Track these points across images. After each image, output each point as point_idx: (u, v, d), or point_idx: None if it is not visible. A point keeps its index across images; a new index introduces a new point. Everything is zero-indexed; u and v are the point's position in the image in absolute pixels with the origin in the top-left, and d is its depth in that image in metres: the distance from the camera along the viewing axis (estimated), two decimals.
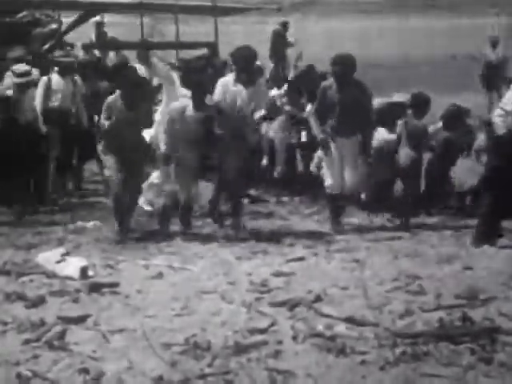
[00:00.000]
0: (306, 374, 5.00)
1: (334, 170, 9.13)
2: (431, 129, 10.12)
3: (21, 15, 15.93)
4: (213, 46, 17.14)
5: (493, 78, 17.77)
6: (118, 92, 8.77)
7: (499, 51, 19.14)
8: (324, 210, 10.02)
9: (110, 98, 8.84)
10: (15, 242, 8.39)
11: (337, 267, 7.40)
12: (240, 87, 8.78)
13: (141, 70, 11.41)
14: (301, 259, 7.73)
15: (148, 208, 9.67)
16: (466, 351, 5.30)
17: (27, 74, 10.94)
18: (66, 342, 5.53)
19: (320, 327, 5.70)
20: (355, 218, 9.78)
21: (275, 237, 8.86)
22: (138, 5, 18.46)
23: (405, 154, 9.66)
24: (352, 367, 5.11)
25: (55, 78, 11.48)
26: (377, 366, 5.10)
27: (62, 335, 5.60)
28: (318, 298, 6.36)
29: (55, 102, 11.29)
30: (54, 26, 16.42)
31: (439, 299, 6.35)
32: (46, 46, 15.21)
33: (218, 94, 8.88)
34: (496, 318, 5.83)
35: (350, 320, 5.83)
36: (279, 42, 18.66)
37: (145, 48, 15.09)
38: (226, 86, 8.80)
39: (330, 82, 9.17)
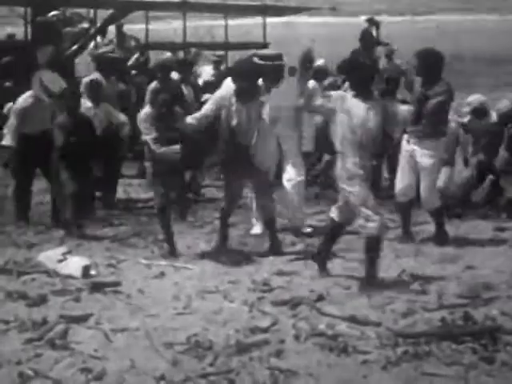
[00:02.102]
0: (308, 373, 5.01)
1: (404, 175, 8.35)
2: None
3: (51, 14, 15.95)
4: (263, 47, 17.00)
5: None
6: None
7: (397, 62, 18.67)
8: (327, 210, 10.01)
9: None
10: (16, 241, 8.39)
11: (339, 266, 7.40)
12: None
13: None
14: (303, 258, 7.72)
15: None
16: (467, 350, 5.30)
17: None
18: (68, 341, 5.53)
19: (322, 326, 5.70)
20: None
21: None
22: (181, 4, 18.33)
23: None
24: (354, 366, 5.11)
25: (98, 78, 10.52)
26: (379, 365, 5.11)
27: (63, 334, 5.60)
28: (320, 297, 6.37)
29: None
30: (84, 25, 16.38)
31: (441, 299, 6.35)
32: (76, 46, 15.19)
33: None
34: (498, 318, 5.84)
35: (352, 319, 5.84)
36: (368, 40, 18.04)
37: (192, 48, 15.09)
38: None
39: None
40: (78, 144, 8.67)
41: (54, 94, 9.24)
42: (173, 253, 7.81)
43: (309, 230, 8.66)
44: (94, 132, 9.17)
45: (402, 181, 8.43)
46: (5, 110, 13.33)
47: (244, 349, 5.35)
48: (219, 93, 8.03)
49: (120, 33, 17.97)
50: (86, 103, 9.60)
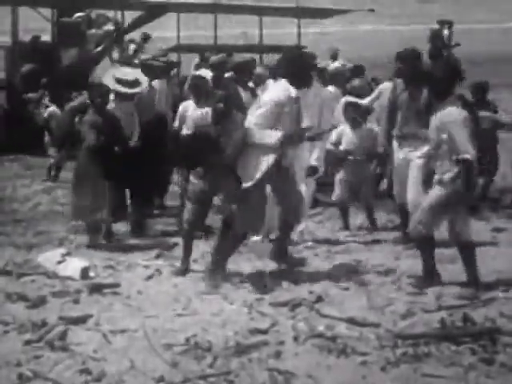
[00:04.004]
0: (307, 375, 5.00)
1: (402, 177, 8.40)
2: None
3: (76, 16, 15.98)
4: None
5: None
6: None
7: (342, 63, 18.35)
8: (325, 212, 10.03)
9: None
10: (16, 242, 8.39)
11: (338, 268, 7.40)
12: None
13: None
14: (302, 260, 7.73)
15: None
16: (467, 352, 5.30)
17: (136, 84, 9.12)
18: (68, 342, 5.53)
19: (321, 328, 5.71)
20: (356, 218, 9.76)
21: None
22: (212, 6, 18.19)
23: None
24: (353, 368, 5.11)
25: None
26: (378, 366, 5.11)
27: (63, 336, 5.60)
28: (320, 299, 6.38)
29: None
30: (110, 27, 16.37)
31: (440, 300, 6.36)
32: (100, 48, 15.20)
33: None
34: (497, 319, 5.84)
35: (351, 321, 5.84)
36: (436, 42, 17.76)
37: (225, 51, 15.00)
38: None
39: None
40: (106, 144, 8.27)
41: (130, 82, 9.00)
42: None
43: (310, 243, 8.56)
44: (122, 132, 8.63)
45: (400, 182, 8.46)
46: (45, 115, 13.41)
47: (243, 350, 5.35)
48: None
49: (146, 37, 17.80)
50: None
